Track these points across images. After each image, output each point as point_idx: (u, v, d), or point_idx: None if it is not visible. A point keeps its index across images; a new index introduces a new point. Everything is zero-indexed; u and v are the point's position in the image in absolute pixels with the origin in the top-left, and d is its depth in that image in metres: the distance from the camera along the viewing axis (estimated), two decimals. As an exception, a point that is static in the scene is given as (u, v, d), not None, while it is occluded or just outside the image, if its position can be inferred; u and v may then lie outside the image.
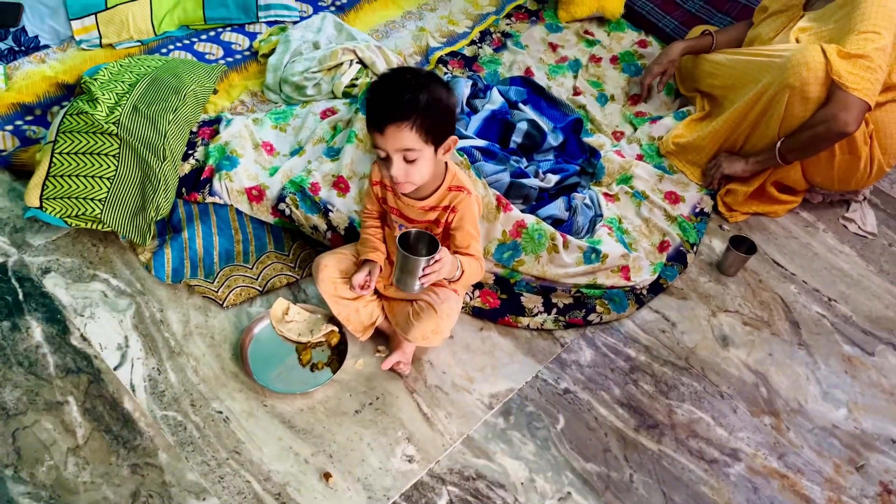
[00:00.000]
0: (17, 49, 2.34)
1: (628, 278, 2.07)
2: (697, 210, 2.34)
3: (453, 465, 1.68)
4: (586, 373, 1.91)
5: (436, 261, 1.53)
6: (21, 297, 1.84)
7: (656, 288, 2.12)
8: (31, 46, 2.37)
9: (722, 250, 2.23)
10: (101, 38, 2.44)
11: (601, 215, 2.21)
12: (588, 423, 1.81)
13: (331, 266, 1.75)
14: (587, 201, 2.21)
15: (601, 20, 2.94)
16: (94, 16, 2.43)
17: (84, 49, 2.43)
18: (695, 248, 2.23)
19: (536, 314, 1.99)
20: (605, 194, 2.28)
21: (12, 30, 2.35)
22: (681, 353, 1.99)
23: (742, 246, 2.17)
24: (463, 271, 1.63)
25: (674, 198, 2.34)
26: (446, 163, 1.62)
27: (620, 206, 2.28)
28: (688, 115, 2.52)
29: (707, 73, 2.52)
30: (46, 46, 2.40)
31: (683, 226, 2.26)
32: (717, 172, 2.35)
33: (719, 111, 2.41)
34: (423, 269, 1.53)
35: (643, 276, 2.10)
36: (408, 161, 1.50)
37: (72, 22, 2.43)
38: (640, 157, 2.44)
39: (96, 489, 1.55)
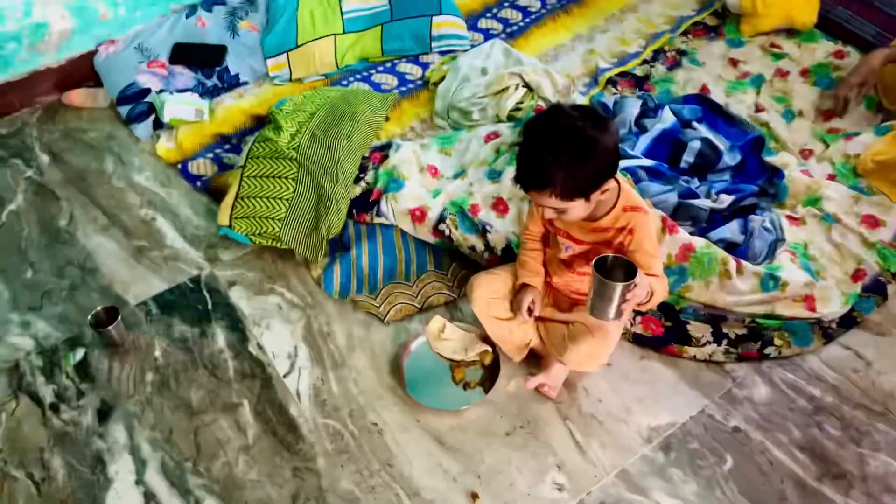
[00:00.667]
0: (220, 86, 2.62)
1: (813, 309, 1.87)
2: (902, 236, 2.07)
3: (605, 498, 1.60)
4: (761, 411, 1.74)
5: (634, 285, 1.45)
6: (210, 306, 2.03)
7: (848, 321, 1.90)
8: (232, 83, 2.64)
9: (932, 282, 1.95)
10: (291, 73, 2.66)
11: (783, 239, 2.01)
12: (761, 467, 1.64)
13: (484, 286, 1.76)
14: (767, 224, 2.03)
15: (790, 32, 2.72)
16: (286, 54, 2.66)
17: (276, 84, 2.66)
18: (897, 278, 1.97)
19: (704, 344, 1.85)
20: (789, 217, 2.09)
21: (217, 69, 2.64)
22: (877, 396, 1.76)
23: (958, 277, 1.88)
24: (652, 293, 1.54)
25: (873, 222, 2.08)
26: (618, 181, 1.55)
27: (807, 230, 2.07)
28: (892, 130, 2.25)
29: (916, 82, 2.24)
30: (245, 83, 2.66)
31: (884, 253, 2.00)
32: (927, 193, 2.07)
33: (930, 124, 2.13)
34: (624, 296, 1.45)
35: (832, 308, 1.88)
36: (559, 214, 1.50)
37: (267, 60, 2.67)
38: (831, 177, 2.21)
39: (261, 488, 1.66)
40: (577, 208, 1.48)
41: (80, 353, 1.92)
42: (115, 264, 2.13)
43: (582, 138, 1.41)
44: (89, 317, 1.90)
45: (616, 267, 1.49)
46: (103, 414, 1.80)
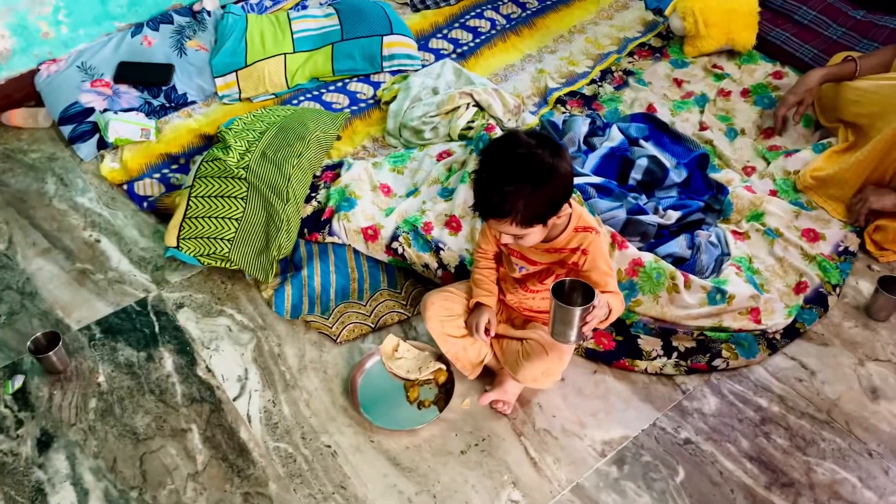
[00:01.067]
0: (167, 105, 2.58)
1: (759, 321, 1.91)
2: (841, 249, 2.14)
3: (561, 514, 1.60)
4: (710, 422, 1.77)
5: (593, 307, 1.46)
6: (157, 329, 1.98)
7: (792, 333, 1.94)
8: (179, 103, 2.60)
9: (870, 292, 2.01)
10: (240, 92, 2.64)
11: (728, 254, 2.06)
12: (712, 478, 1.66)
13: (438, 304, 1.75)
14: (713, 239, 2.08)
15: (731, 53, 2.81)
16: (235, 73, 2.64)
17: (225, 103, 2.63)
18: (837, 289, 2.03)
19: (655, 358, 1.87)
20: (734, 232, 2.14)
21: (164, 88, 2.60)
22: (821, 404, 1.80)
23: (894, 288, 1.95)
24: (610, 310, 1.56)
25: (812, 235, 2.15)
26: (570, 203, 1.56)
27: (751, 244, 2.12)
28: (828, 146, 2.33)
29: (851, 101, 2.33)
30: (193, 102, 2.62)
31: (824, 265, 2.07)
32: (863, 207, 2.14)
33: (865, 141, 2.21)
34: (584, 319, 1.47)
35: (776, 320, 1.93)
36: (517, 240, 1.53)
37: (216, 79, 2.64)
38: (773, 193, 2.28)
39: (210, 515, 1.61)
40: (535, 234, 1.51)
41: (18, 381, 1.85)
42: (56, 288, 2.07)
43: (541, 166, 1.43)
44: (28, 343, 1.83)
45: (574, 289, 1.51)
46: (43, 443, 1.73)
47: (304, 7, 2.99)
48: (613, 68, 2.78)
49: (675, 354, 1.88)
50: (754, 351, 1.88)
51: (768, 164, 2.39)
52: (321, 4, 2.98)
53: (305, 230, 2.13)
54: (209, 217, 2.06)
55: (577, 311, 1.45)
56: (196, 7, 2.81)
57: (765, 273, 2.05)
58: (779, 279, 2.05)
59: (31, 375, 1.86)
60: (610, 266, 1.62)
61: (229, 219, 2.06)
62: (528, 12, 3.04)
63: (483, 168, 1.48)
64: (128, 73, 2.60)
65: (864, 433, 1.73)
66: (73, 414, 1.79)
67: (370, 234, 2.07)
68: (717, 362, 1.86)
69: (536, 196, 1.44)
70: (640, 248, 2.00)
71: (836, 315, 2.00)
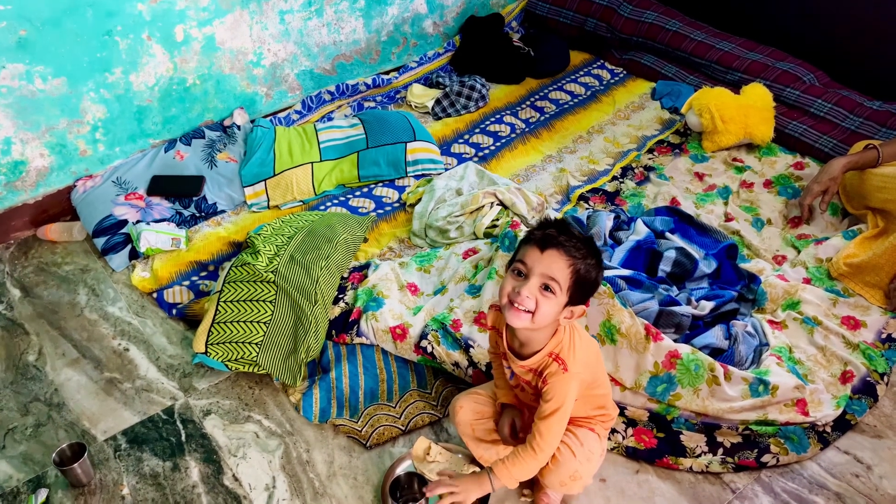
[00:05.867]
0: (198, 215, 2.64)
1: (806, 413, 1.83)
2: (884, 336, 2.07)
3: None
4: (765, 524, 1.66)
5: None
6: (184, 438, 1.93)
7: (843, 425, 1.85)
8: (209, 212, 2.66)
9: (921, 380, 1.93)
10: (269, 200, 2.70)
11: (767, 344, 2.00)
12: (773, 585, 1.54)
13: (466, 408, 1.71)
14: (749, 329, 2.03)
15: (750, 147, 2.85)
16: (263, 182, 2.71)
17: (254, 211, 2.68)
18: (885, 378, 1.95)
19: (700, 455, 1.79)
20: (771, 321, 2.09)
21: (195, 199, 2.66)
22: (881, 501, 1.69)
23: (945, 374, 1.87)
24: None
25: (853, 323, 2.09)
26: (558, 330, 1.52)
27: (790, 333, 2.06)
28: (858, 233, 2.31)
29: (877, 187, 2.33)
30: (223, 211, 2.68)
31: (868, 354, 2.00)
32: (902, 293, 2.09)
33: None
34: None
35: (825, 411, 1.85)
36: (543, 294, 1.43)
37: (245, 189, 2.71)
38: (807, 281, 2.23)
39: None
40: (555, 305, 1.44)
41: (42, 495, 1.79)
42: (83, 399, 2.05)
43: (594, 247, 1.48)
44: (53, 455, 1.79)
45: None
46: (64, 562, 1.67)
47: (331, 118, 3.10)
48: (634, 165, 2.81)
49: (720, 451, 1.79)
50: (805, 445, 1.79)
51: (799, 252, 2.36)
52: (346, 116, 3.09)
53: (333, 332, 2.12)
54: (238, 321, 2.06)
55: None
56: (227, 122, 2.92)
57: (807, 363, 1.98)
58: (822, 369, 1.97)
59: (56, 489, 1.81)
60: (565, 415, 1.49)
61: (258, 322, 2.06)
62: (547, 116, 3.12)
63: (548, 223, 1.49)
64: (160, 185, 2.68)
65: (933, 532, 1.62)
66: (96, 529, 1.73)
67: (398, 333, 2.04)
68: (767, 458, 1.77)
69: (589, 270, 1.44)
70: (675, 341, 1.95)
71: (887, 405, 1.92)
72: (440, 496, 1.58)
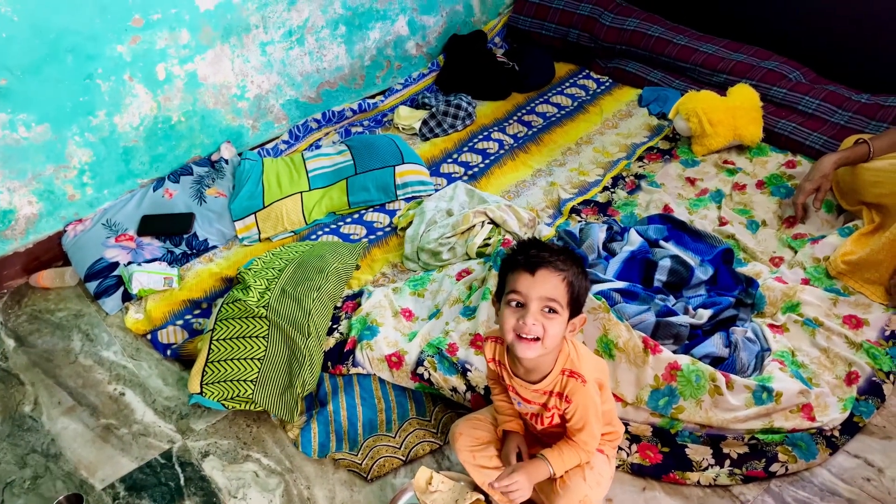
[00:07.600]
0: (189, 252, 2.62)
1: (812, 418, 1.79)
2: (887, 333, 2.03)
3: None
4: (778, 535, 1.62)
5: None
6: (182, 481, 1.90)
7: (851, 428, 1.82)
8: (201, 249, 2.64)
9: (928, 376, 1.90)
10: (259, 233, 2.68)
11: (768, 349, 1.97)
12: None
13: (466, 434, 1.68)
14: (749, 335, 2.00)
15: (740, 148, 2.83)
16: (253, 215, 2.69)
17: (245, 245, 2.67)
18: (891, 376, 1.91)
19: (707, 468, 1.75)
20: (771, 325, 2.06)
21: (185, 236, 2.65)
22: (896, 505, 1.65)
23: (952, 369, 1.83)
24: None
25: (855, 322, 2.06)
26: (563, 346, 1.50)
27: (791, 336, 2.03)
28: (854, 230, 2.28)
29: (870, 182, 2.30)
30: (214, 247, 2.66)
31: (872, 353, 1.96)
32: (903, 288, 2.06)
33: (892, 220, 2.16)
34: None
35: (831, 415, 1.81)
36: (546, 316, 1.41)
37: (235, 223, 2.70)
38: (805, 282, 2.20)
39: None
40: (560, 324, 1.42)
41: (40, 550, 1.77)
42: (80, 447, 2.02)
43: (574, 254, 1.47)
44: (50, 508, 1.77)
45: None
46: None
47: (318, 146, 3.09)
48: (624, 174, 2.79)
49: (727, 462, 1.75)
50: (813, 451, 1.75)
51: (795, 252, 2.33)
52: (334, 143, 3.08)
53: (329, 363, 2.09)
54: (231, 360, 2.04)
55: None
56: (214, 157, 2.91)
57: (811, 366, 1.95)
58: (826, 371, 1.94)
59: (54, 542, 1.79)
60: (598, 417, 1.50)
61: (252, 359, 2.04)
62: (534, 130, 3.11)
63: (532, 241, 1.49)
64: (150, 225, 2.66)
65: (950, 534, 1.57)
66: (96, 582, 1.69)
67: (394, 360, 2.02)
68: (775, 467, 1.73)
69: (580, 278, 1.44)
70: (674, 352, 1.92)
71: (895, 404, 1.88)
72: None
